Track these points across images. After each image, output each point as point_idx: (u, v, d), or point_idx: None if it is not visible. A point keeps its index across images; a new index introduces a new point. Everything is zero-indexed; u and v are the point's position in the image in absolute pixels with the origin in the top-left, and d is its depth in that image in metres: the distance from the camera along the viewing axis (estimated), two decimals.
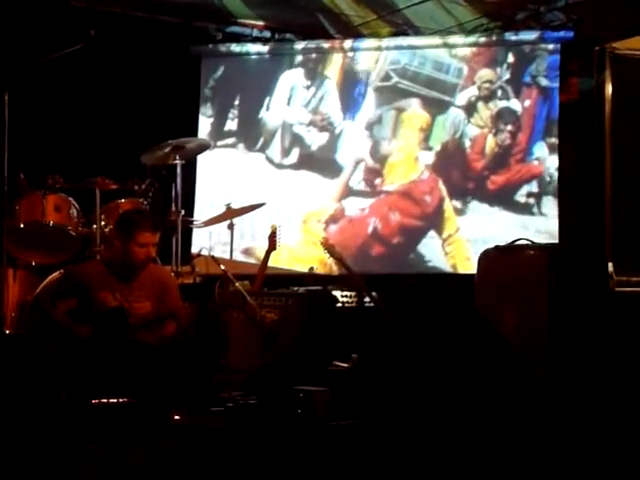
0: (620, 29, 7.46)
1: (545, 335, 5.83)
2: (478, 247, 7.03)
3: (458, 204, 8.39)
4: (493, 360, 5.46)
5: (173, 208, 6.87)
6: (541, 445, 4.61)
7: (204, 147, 7.57)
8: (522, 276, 6.07)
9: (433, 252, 8.38)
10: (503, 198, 8.31)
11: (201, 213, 8.16)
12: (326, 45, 8.75)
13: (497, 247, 6.46)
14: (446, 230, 8.37)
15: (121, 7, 8.13)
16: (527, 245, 6.41)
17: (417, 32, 8.66)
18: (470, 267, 7.57)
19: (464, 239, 8.30)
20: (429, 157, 8.50)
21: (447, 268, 8.33)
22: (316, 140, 8.75)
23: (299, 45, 8.80)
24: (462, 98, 8.46)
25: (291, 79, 8.82)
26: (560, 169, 8.08)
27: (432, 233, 8.41)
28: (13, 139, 5.96)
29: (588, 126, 7.62)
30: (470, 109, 8.44)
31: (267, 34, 8.91)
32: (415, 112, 8.58)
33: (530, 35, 8.25)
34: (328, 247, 6.78)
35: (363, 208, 8.55)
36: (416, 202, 8.46)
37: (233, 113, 8.88)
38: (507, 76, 8.39)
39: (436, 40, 8.53)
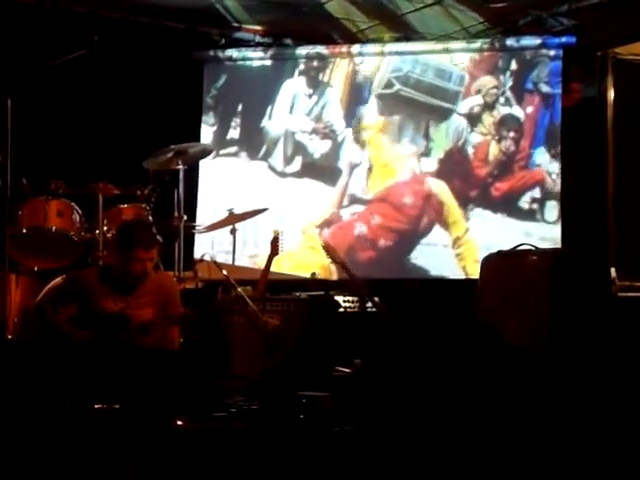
0: (622, 34, 7.46)
1: (547, 340, 5.82)
2: (482, 254, 7.02)
3: (462, 211, 8.39)
4: (497, 366, 5.45)
5: (175, 213, 6.86)
6: (544, 451, 4.60)
7: (207, 152, 7.57)
8: (524, 281, 6.06)
9: (431, 256, 8.37)
10: (507, 205, 8.31)
11: (203, 220, 8.15)
12: (328, 51, 8.76)
13: (499, 252, 6.46)
14: (454, 232, 8.36)
15: (124, 12, 8.15)
16: (529, 250, 6.40)
17: (420, 38, 8.67)
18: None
19: (474, 240, 8.30)
20: (432, 164, 8.50)
21: (457, 270, 8.32)
22: (319, 148, 8.76)
23: (301, 51, 8.81)
24: (464, 105, 8.46)
25: (293, 87, 8.83)
26: (563, 174, 8.08)
27: (432, 236, 8.40)
28: (16, 144, 5.97)
29: (591, 131, 7.61)
30: (473, 116, 8.44)
31: (269, 40, 8.93)
32: (368, 122, 8.64)
33: (532, 41, 8.26)
34: (329, 251, 6.76)
35: (359, 214, 8.57)
36: (397, 207, 8.48)
37: (235, 122, 8.89)
38: (509, 83, 8.40)
39: (438, 46, 8.55)
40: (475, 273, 7.87)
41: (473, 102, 8.45)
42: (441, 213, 8.44)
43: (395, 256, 8.49)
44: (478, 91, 8.44)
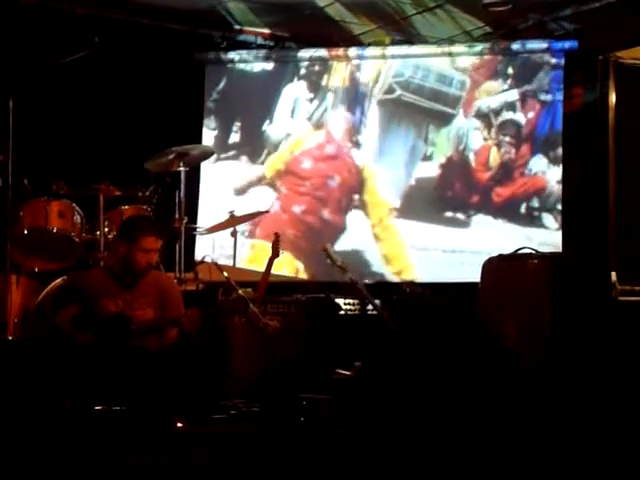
0: (624, 38, 7.46)
1: (548, 344, 5.82)
2: (483, 260, 7.01)
3: (462, 216, 8.39)
4: (495, 367, 5.46)
5: (177, 215, 6.87)
6: (544, 454, 4.60)
7: (208, 154, 7.57)
8: (525, 285, 6.06)
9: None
10: (507, 210, 8.31)
11: (204, 222, 8.16)
12: (329, 54, 8.76)
13: (500, 256, 6.46)
14: (373, 215, 8.50)
15: (125, 14, 8.16)
16: (530, 254, 6.40)
17: (421, 41, 8.68)
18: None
19: (395, 227, 8.42)
20: (433, 169, 8.51)
21: (375, 254, 8.43)
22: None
23: (303, 53, 8.82)
24: (465, 110, 8.46)
25: (294, 91, 8.84)
26: (564, 178, 8.08)
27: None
28: (17, 145, 5.98)
29: (592, 135, 7.62)
30: (473, 121, 8.45)
31: (271, 42, 8.94)
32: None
33: (534, 45, 8.27)
34: (330, 254, 6.76)
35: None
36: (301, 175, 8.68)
37: (237, 126, 8.90)
38: (511, 89, 8.40)
39: (439, 49, 8.55)
40: (394, 264, 8.17)
41: (474, 107, 8.45)
42: (358, 182, 8.54)
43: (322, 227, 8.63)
44: (479, 96, 8.44)
